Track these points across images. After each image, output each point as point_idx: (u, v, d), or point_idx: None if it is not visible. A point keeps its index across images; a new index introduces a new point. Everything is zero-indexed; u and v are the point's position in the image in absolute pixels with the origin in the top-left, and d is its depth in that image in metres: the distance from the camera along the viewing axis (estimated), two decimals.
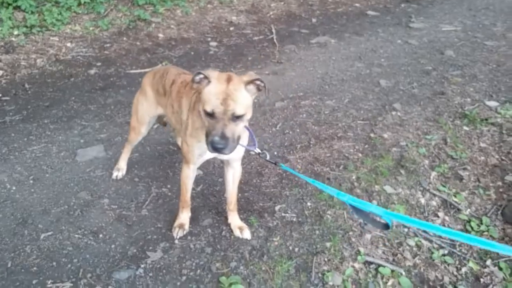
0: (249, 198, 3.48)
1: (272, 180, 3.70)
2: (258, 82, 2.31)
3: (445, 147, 4.18)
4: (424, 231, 3.23)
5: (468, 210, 3.49)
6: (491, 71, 5.86)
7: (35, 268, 2.78)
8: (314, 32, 7.49)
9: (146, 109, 3.17)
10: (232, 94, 2.23)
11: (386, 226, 2.39)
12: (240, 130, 2.35)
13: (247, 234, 3.09)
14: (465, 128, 4.51)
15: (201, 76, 2.32)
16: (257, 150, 2.66)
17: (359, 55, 6.46)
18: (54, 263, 2.82)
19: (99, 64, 5.88)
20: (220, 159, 2.95)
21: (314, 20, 8.15)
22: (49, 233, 3.07)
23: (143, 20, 7.08)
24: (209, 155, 2.73)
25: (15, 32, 6.15)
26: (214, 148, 2.26)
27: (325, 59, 6.34)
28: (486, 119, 4.60)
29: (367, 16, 8.46)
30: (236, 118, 2.26)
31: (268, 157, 2.68)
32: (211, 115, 2.27)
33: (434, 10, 8.82)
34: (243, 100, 2.26)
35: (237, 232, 3.10)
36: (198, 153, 2.71)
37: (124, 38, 6.60)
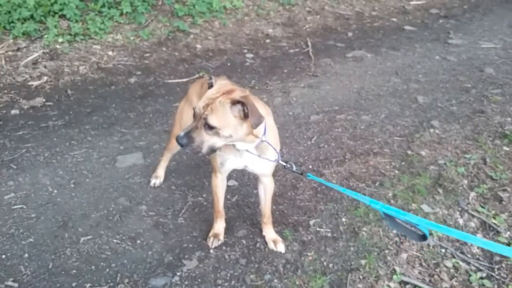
0: (284, 211, 3.49)
1: (306, 193, 3.70)
2: (243, 107, 2.25)
3: (484, 167, 4.09)
4: (461, 252, 3.17)
5: (508, 233, 3.39)
6: None
7: (74, 271, 2.87)
8: (350, 46, 7.47)
9: (190, 118, 3.19)
10: (215, 104, 2.26)
11: (423, 237, 2.35)
12: (214, 142, 2.33)
13: (281, 248, 3.09)
14: (505, 148, 4.40)
15: (212, 81, 2.43)
16: (282, 163, 2.69)
17: (396, 70, 6.40)
18: (93, 267, 2.90)
19: (139, 73, 6.03)
20: (251, 172, 2.97)
21: (350, 34, 8.13)
22: (89, 237, 3.16)
23: (182, 31, 7.22)
24: (232, 164, 2.77)
25: (60, 40, 6.38)
26: (176, 140, 2.34)
27: (361, 73, 6.31)
28: None
29: (404, 31, 8.39)
30: (209, 128, 2.27)
31: (294, 168, 2.70)
32: (194, 113, 2.36)
33: (473, 27, 8.67)
34: (221, 114, 2.26)
35: (271, 245, 3.11)
36: (220, 161, 2.77)
37: (164, 48, 6.75)
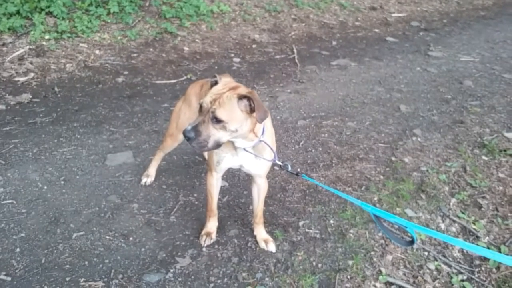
0: (274, 212, 3.57)
1: (295, 196, 3.79)
2: (249, 102, 2.35)
3: (464, 175, 4.26)
4: (443, 256, 3.30)
5: (487, 238, 3.55)
6: (509, 103, 5.94)
7: (67, 266, 2.88)
8: (335, 55, 7.63)
9: (188, 118, 3.21)
10: (222, 98, 2.34)
11: (409, 243, 2.47)
12: (220, 136, 2.40)
13: (272, 247, 3.17)
14: (484, 157, 4.58)
15: (216, 79, 2.50)
16: (279, 162, 2.78)
17: (379, 80, 6.58)
18: (86, 262, 2.91)
19: (126, 72, 6.03)
20: (244, 172, 3.03)
21: (334, 42, 8.30)
22: (81, 233, 3.17)
23: (169, 33, 7.26)
24: (228, 163, 2.84)
25: (46, 37, 6.33)
26: (183, 134, 2.40)
27: (346, 81, 6.46)
28: (505, 150, 4.68)
29: (386, 42, 8.61)
30: (217, 121, 2.34)
31: (289, 168, 2.80)
32: (200, 107, 2.42)
33: (452, 40, 8.96)
34: (229, 108, 2.34)
35: (262, 244, 3.18)
36: (216, 159, 2.83)
37: (151, 49, 6.77)
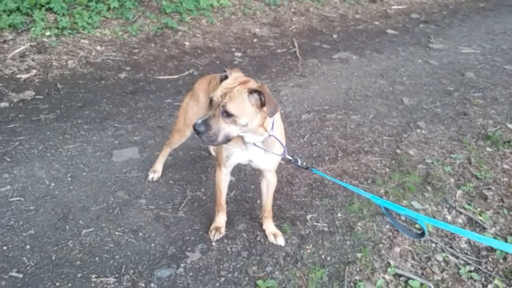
0: (281, 206, 3.58)
1: (302, 189, 3.80)
2: (260, 96, 2.35)
3: (469, 166, 4.28)
4: (451, 247, 3.32)
5: (493, 229, 3.57)
6: (511, 95, 5.96)
7: (78, 262, 2.89)
8: (336, 48, 7.62)
9: (195, 113, 3.22)
10: (233, 92, 2.34)
11: (420, 235, 2.48)
12: (230, 130, 2.40)
13: (281, 241, 3.18)
14: (488, 149, 4.60)
15: (226, 73, 2.51)
16: (289, 157, 2.78)
17: (381, 72, 6.58)
18: (97, 258, 2.92)
19: (128, 68, 6.02)
20: (253, 166, 3.03)
21: (335, 36, 8.29)
22: (90, 229, 3.17)
23: (170, 28, 7.23)
24: (237, 158, 2.84)
25: (47, 33, 6.31)
26: (193, 127, 2.39)
27: (348, 74, 6.46)
28: (509, 142, 4.69)
29: (386, 35, 8.60)
30: (227, 115, 2.34)
31: (299, 163, 2.81)
32: (210, 102, 2.43)
33: (452, 32, 8.95)
34: (240, 102, 2.34)
35: (271, 238, 3.19)
36: (226, 154, 2.84)
37: (152, 45, 6.75)
